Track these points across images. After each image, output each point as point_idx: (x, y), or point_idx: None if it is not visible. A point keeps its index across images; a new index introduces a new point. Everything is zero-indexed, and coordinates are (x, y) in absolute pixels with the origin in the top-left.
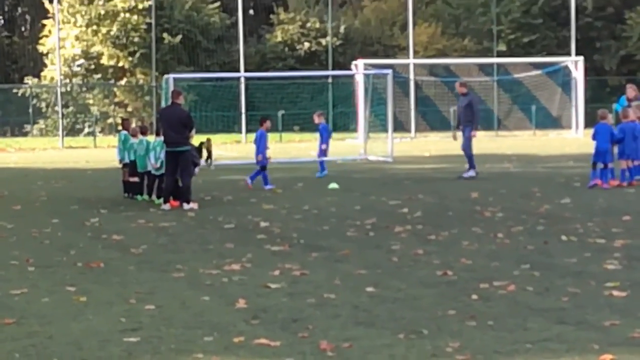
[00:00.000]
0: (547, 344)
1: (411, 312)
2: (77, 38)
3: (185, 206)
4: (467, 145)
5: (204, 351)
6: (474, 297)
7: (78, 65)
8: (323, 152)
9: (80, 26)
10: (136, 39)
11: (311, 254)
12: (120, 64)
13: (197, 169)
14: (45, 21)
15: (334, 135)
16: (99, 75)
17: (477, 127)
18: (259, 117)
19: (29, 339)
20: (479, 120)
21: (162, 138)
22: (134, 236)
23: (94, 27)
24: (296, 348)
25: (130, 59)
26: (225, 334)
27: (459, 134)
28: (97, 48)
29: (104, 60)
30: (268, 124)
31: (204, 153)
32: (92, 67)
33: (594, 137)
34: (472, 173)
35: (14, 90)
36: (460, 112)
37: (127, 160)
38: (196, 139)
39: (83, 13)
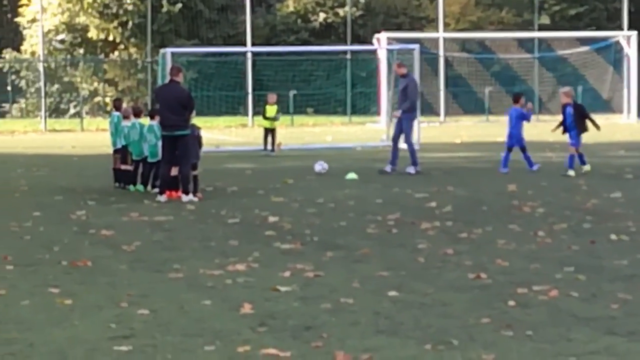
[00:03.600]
0: (594, 358)
1: (439, 320)
2: (59, 5)
3: (185, 198)
4: (406, 135)
5: None
6: (511, 303)
7: (60, 41)
8: None
9: None
10: (129, 7)
11: (326, 253)
12: (111, 38)
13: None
14: None
15: (354, 118)
16: (82, 50)
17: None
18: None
19: (7, 347)
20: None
21: (156, 121)
22: (126, 231)
23: None
24: (309, 359)
25: (120, 30)
26: (228, 342)
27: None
28: (83, 19)
29: (91, 34)
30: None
31: None
32: (78, 40)
33: None
34: (411, 169)
35: None
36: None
37: (118, 146)
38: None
39: None
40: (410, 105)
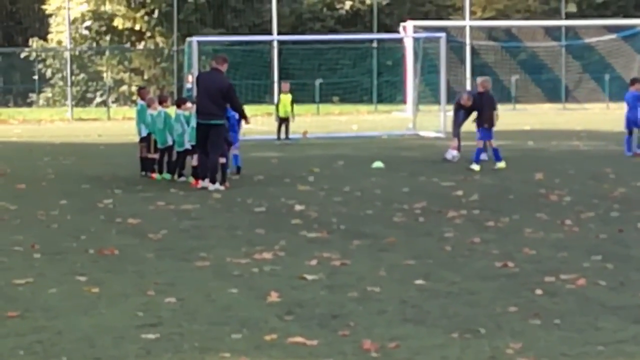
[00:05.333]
0: (622, 346)
1: (466, 309)
2: None
3: (211, 186)
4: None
5: (232, 350)
6: (538, 292)
7: (86, 28)
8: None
9: None
10: None
11: (353, 241)
12: (137, 27)
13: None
14: None
15: (380, 107)
16: (109, 39)
17: None
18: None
19: (35, 335)
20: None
21: (183, 110)
22: (153, 220)
23: None
24: (336, 348)
25: (147, 19)
26: (255, 331)
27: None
28: (109, 7)
29: (117, 23)
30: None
31: None
32: (104, 29)
33: None
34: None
35: (18, 54)
36: None
37: (143, 134)
38: None
39: None
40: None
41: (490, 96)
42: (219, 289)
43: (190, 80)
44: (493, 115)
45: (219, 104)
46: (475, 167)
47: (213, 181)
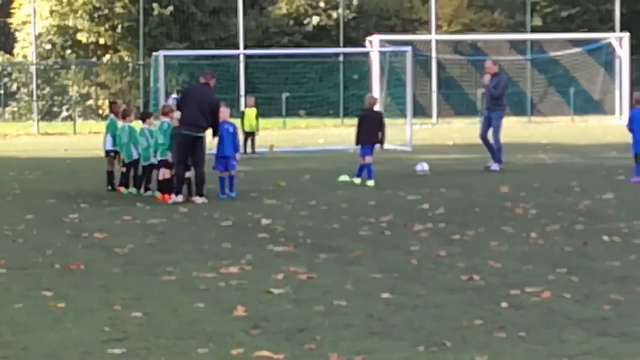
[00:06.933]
0: (587, 359)
1: (432, 322)
2: (50, 8)
3: (198, 200)
4: (495, 131)
5: None
6: (504, 305)
7: (49, 42)
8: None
9: None
10: (120, 11)
11: (319, 255)
12: (102, 41)
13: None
14: None
15: (346, 121)
16: (72, 53)
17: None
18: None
19: (1, 350)
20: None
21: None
22: (119, 235)
23: None
24: None
25: (111, 33)
26: (222, 345)
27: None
28: (74, 22)
29: (81, 37)
30: None
31: None
32: (69, 43)
33: (630, 126)
34: (496, 167)
35: None
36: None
37: (109, 148)
38: None
39: None
40: (500, 102)
41: (378, 113)
42: (186, 303)
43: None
44: (379, 134)
45: (207, 118)
46: (356, 180)
47: (201, 194)
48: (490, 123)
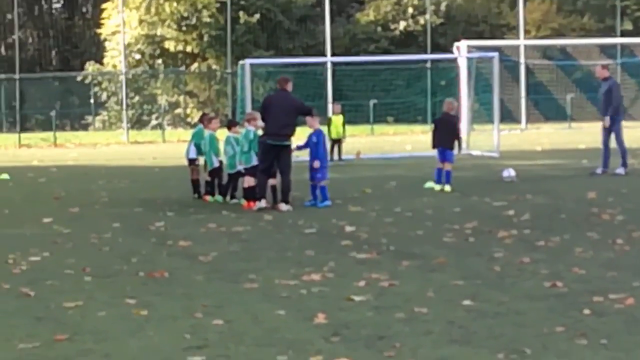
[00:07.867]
0: None
1: (513, 329)
2: (140, 21)
3: (283, 207)
4: (617, 135)
5: None
6: (586, 312)
7: (138, 51)
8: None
9: (141, 3)
10: (207, 19)
11: (402, 262)
12: (189, 49)
13: None
14: (104, 4)
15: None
16: (161, 62)
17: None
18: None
19: (83, 358)
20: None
21: (234, 132)
22: (203, 242)
23: (157, 7)
24: None
25: (199, 41)
26: (301, 352)
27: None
28: (161, 31)
29: (169, 45)
30: None
31: None
32: (157, 52)
33: None
34: (621, 170)
35: (74, 77)
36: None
37: (193, 156)
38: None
39: None
40: (616, 107)
41: (453, 116)
42: (267, 310)
43: None
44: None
45: (292, 124)
46: (447, 188)
47: (286, 202)
48: (610, 129)
